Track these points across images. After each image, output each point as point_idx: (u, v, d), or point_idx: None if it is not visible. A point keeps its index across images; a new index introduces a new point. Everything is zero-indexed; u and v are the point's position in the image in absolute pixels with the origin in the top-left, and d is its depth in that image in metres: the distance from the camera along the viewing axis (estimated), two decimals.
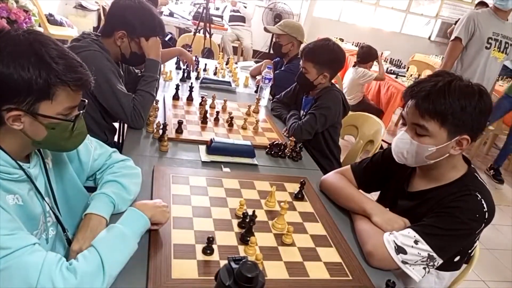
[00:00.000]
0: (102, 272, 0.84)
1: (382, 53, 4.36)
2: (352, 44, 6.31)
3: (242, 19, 6.11)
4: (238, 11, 6.05)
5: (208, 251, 1.04)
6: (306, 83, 2.06)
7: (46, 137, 0.92)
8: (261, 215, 1.25)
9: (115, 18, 1.70)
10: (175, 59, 2.83)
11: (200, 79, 2.58)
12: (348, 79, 4.14)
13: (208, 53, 4.23)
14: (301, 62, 2.07)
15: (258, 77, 2.75)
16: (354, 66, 4.19)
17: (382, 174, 1.42)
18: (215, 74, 2.88)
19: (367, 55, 4.08)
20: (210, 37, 4.46)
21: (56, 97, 0.89)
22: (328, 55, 1.99)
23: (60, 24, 4.76)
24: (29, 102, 0.86)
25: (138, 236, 0.98)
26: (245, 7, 6.15)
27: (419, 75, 4.81)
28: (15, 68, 0.83)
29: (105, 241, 0.91)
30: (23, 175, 0.93)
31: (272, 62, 2.92)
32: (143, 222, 1.00)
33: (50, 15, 4.68)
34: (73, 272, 0.81)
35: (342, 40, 6.39)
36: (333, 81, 2.14)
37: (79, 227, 1.03)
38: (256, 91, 2.61)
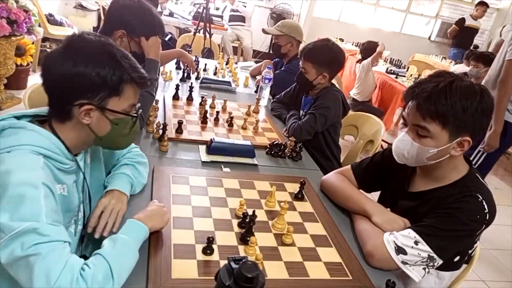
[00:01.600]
0: (111, 281, 0.84)
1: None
2: (352, 44, 6.30)
3: (242, 19, 6.10)
4: (237, 11, 6.05)
5: (208, 251, 1.04)
6: (305, 83, 2.06)
7: (109, 132, 1.01)
8: (261, 215, 1.25)
9: (114, 17, 1.70)
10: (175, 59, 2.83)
11: (200, 79, 2.58)
12: (357, 77, 4.15)
13: (208, 53, 4.22)
14: (300, 62, 2.07)
15: (258, 77, 2.75)
16: (359, 62, 4.20)
17: (383, 174, 1.41)
18: (215, 74, 2.88)
19: (369, 51, 4.08)
20: (210, 37, 4.46)
21: (124, 93, 0.99)
22: (327, 55, 1.99)
23: (60, 24, 4.75)
24: (101, 97, 0.96)
25: (139, 245, 0.97)
26: (244, 6, 6.15)
27: (419, 75, 4.80)
28: (94, 66, 0.93)
29: (113, 251, 0.89)
30: (73, 166, 1.01)
31: (272, 62, 2.92)
32: (144, 233, 0.99)
33: (50, 15, 4.67)
34: (85, 279, 0.80)
35: (342, 40, 6.39)
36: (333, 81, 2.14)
37: (103, 196, 1.11)
38: (256, 91, 2.60)
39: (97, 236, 1.04)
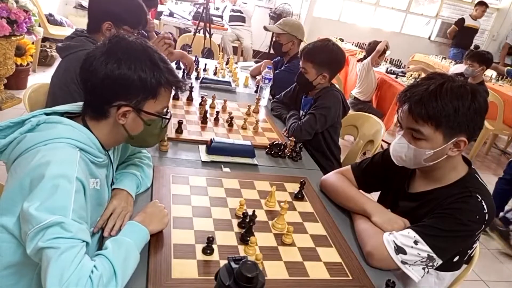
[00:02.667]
0: (115, 283, 0.84)
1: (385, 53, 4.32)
2: (352, 44, 6.29)
3: (242, 19, 6.10)
4: (238, 11, 6.04)
5: (208, 251, 1.04)
6: (305, 83, 2.06)
7: (141, 132, 1.05)
8: (261, 215, 1.26)
9: (96, 11, 1.66)
10: None
11: (200, 79, 2.58)
12: (358, 76, 4.14)
13: (208, 53, 4.22)
14: (300, 63, 2.07)
15: (258, 77, 2.75)
16: (360, 61, 4.19)
17: (383, 175, 1.41)
18: (215, 74, 2.88)
19: (373, 51, 4.06)
20: (210, 37, 4.46)
21: (160, 96, 1.02)
22: (327, 55, 1.99)
23: (60, 24, 4.75)
24: (139, 100, 1.00)
25: (140, 248, 0.97)
26: (245, 4, 6.15)
27: (419, 75, 4.81)
28: (135, 69, 0.96)
29: (117, 254, 0.89)
30: (106, 160, 1.06)
31: (272, 62, 2.92)
32: (145, 235, 1.00)
33: (50, 15, 4.67)
34: (93, 281, 0.80)
35: (342, 40, 6.38)
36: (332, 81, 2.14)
37: (113, 195, 1.13)
38: (256, 91, 2.60)
39: (106, 234, 1.05)
